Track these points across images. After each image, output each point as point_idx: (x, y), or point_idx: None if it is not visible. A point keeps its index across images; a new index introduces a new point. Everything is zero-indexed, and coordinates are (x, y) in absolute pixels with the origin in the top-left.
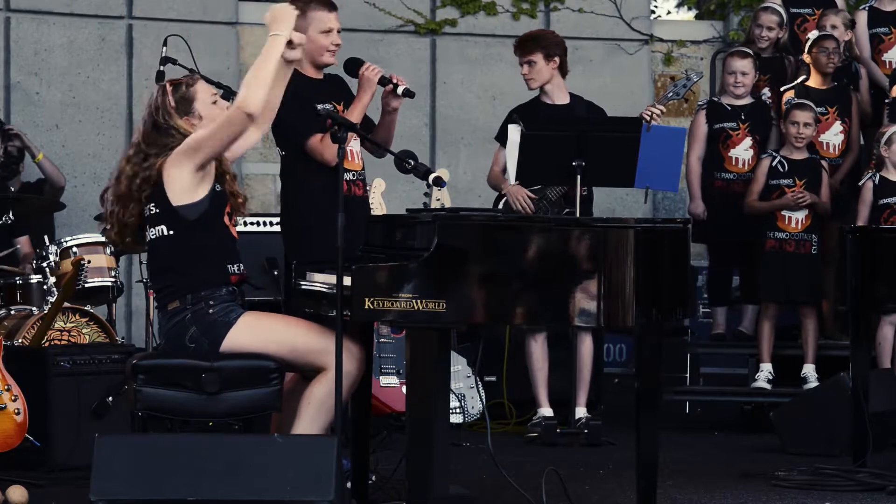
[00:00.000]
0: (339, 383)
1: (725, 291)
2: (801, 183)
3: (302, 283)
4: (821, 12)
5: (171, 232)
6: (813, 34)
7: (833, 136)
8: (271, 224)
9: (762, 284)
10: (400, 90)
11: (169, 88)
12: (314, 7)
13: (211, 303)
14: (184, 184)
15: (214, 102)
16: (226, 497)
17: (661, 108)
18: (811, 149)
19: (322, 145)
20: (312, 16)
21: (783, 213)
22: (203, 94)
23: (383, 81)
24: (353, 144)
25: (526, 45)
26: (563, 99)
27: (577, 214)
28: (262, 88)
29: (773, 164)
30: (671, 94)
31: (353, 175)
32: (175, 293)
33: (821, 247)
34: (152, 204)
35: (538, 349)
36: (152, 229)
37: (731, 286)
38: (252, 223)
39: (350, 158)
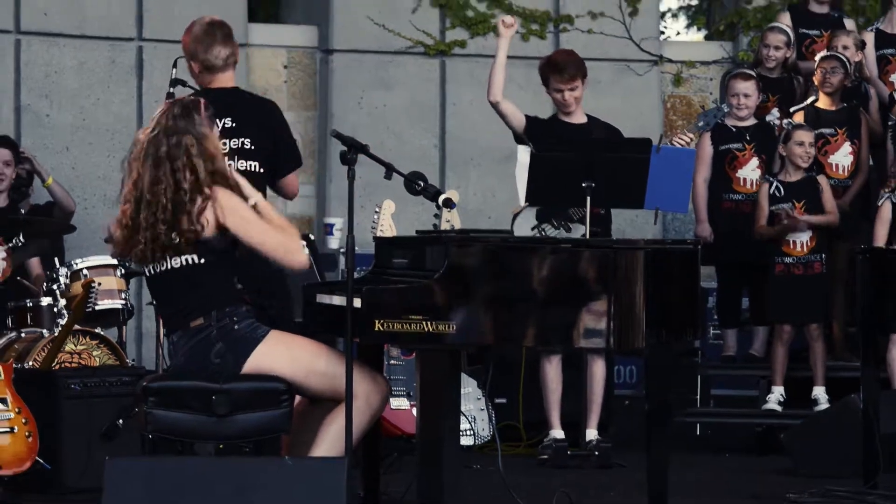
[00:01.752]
0: (349, 405)
1: (735, 313)
2: (801, 204)
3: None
4: (829, 33)
5: (202, 260)
6: (821, 55)
7: (842, 158)
8: None
9: (771, 307)
10: None
11: (203, 103)
12: None
13: (235, 318)
14: (211, 224)
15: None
16: None
17: (691, 136)
18: (809, 168)
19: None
20: None
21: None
22: (216, 128)
23: None
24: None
25: (570, 70)
26: (580, 118)
27: (587, 235)
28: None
29: (771, 190)
30: (702, 123)
31: None
32: (198, 310)
33: (829, 266)
34: (174, 233)
35: (552, 371)
36: (177, 258)
37: (741, 308)
38: None
39: None
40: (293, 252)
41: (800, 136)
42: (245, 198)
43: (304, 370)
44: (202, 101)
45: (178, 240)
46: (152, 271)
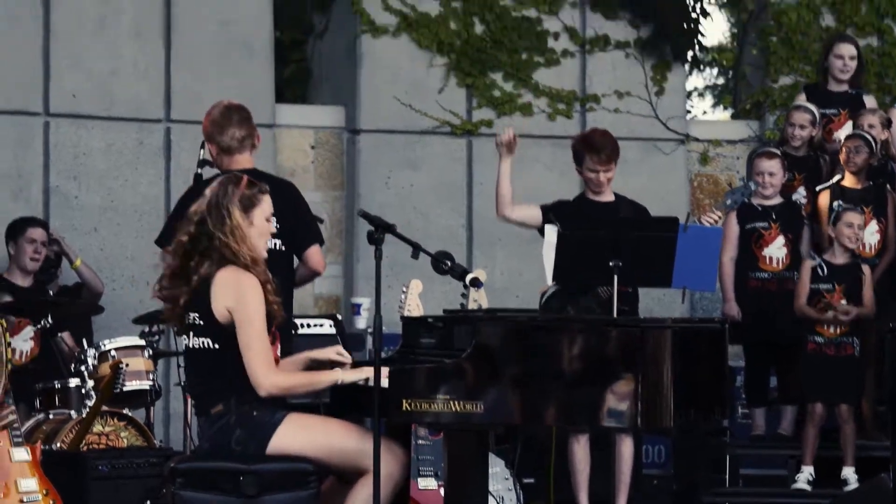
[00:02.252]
0: (377, 484)
1: (763, 392)
2: (841, 288)
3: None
4: (848, 112)
5: (217, 346)
6: (842, 132)
7: (869, 236)
8: (308, 326)
9: (804, 384)
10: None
11: (245, 180)
12: None
13: (255, 404)
14: (222, 308)
15: (268, 220)
16: None
17: (719, 214)
18: (853, 252)
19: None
20: None
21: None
22: (267, 207)
23: None
24: None
25: (607, 151)
26: (608, 197)
27: (615, 315)
28: (289, 391)
29: (814, 267)
30: (730, 201)
31: None
32: (218, 397)
33: (862, 349)
34: (196, 314)
35: (580, 450)
36: (196, 339)
37: (769, 387)
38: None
39: None
40: (260, 377)
41: (849, 217)
42: (272, 315)
43: (322, 449)
44: (244, 177)
45: (186, 310)
46: (184, 346)
